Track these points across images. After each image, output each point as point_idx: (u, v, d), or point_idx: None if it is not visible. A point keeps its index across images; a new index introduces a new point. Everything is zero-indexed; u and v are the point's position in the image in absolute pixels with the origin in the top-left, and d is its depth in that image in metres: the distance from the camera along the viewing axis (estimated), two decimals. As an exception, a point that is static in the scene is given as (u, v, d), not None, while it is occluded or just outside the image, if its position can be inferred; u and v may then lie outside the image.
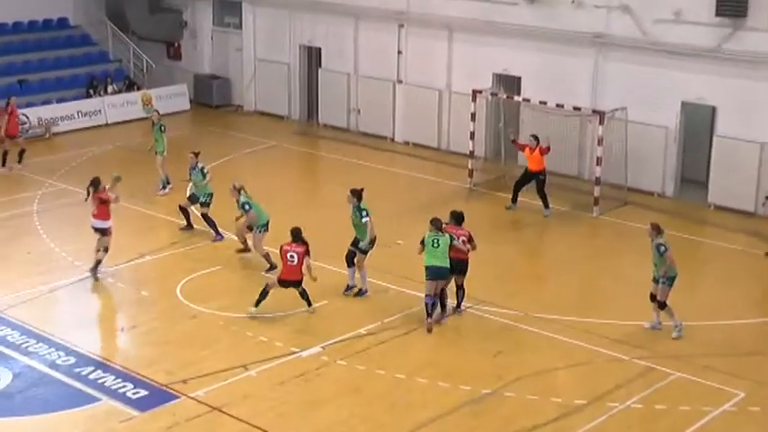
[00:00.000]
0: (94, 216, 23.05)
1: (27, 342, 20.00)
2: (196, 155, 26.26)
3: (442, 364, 19.30)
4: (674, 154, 29.27)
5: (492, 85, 32.10)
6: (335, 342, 20.08)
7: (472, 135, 30.18)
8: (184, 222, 26.25)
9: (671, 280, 20.21)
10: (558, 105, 29.25)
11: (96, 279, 22.98)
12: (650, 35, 29.15)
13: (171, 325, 20.93)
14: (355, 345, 20.02)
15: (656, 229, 20.32)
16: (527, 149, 28.00)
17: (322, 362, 19.28)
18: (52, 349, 19.69)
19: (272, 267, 23.24)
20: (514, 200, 28.45)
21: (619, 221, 27.39)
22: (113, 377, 18.63)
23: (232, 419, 17.26)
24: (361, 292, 22.37)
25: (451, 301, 21.40)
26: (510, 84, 32.03)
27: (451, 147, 33.49)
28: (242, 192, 23.94)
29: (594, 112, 28.76)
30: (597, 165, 27.94)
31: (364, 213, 21.97)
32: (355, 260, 22.22)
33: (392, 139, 35.29)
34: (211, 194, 25.81)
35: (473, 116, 30.27)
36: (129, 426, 17.07)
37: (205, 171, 25.93)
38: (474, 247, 21.18)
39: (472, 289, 21.69)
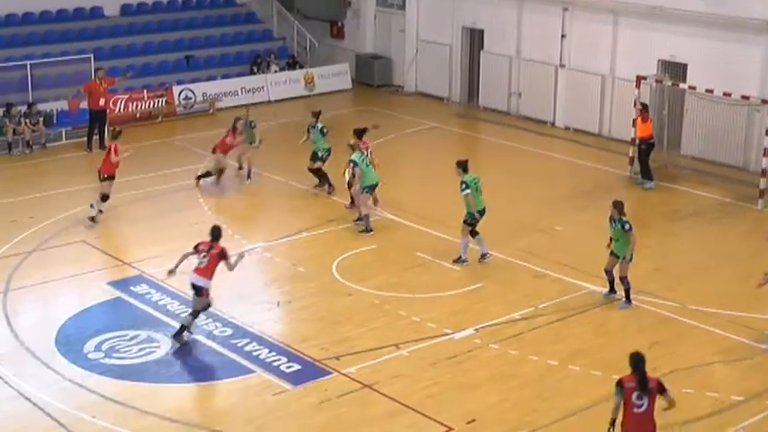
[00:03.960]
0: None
1: (186, 311, 20.34)
2: (316, 115, 27.61)
3: (596, 352, 19.06)
4: None
5: (657, 71, 31.48)
6: (488, 325, 20.01)
7: (634, 122, 29.64)
8: (317, 182, 27.73)
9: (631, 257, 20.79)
10: (725, 94, 28.55)
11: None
12: (824, 22, 28.23)
13: (326, 301, 21.13)
14: (508, 329, 19.92)
15: (618, 208, 20.70)
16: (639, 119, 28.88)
17: (474, 345, 19.23)
18: (210, 320, 20.06)
19: (368, 230, 24.56)
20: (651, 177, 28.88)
21: (785, 215, 26.65)
22: (268, 350, 18.91)
23: (383, 398, 17.36)
24: (459, 260, 22.84)
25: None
26: (676, 71, 31.34)
27: (613, 134, 33.01)
28: (355, 150, 25.02)
29: (764, 101, 27.98)
30: (764, 156, 27.14)
31: (463, 186, 22.37)
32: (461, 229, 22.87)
33: (552, 124, 34.94)
34: (329, 150, 27.28)
35: (636, 103, 29.76)
36: (281, 399, 17.32)
37: (324, 131, 27.24)
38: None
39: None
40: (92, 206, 25.14)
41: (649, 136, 28.68)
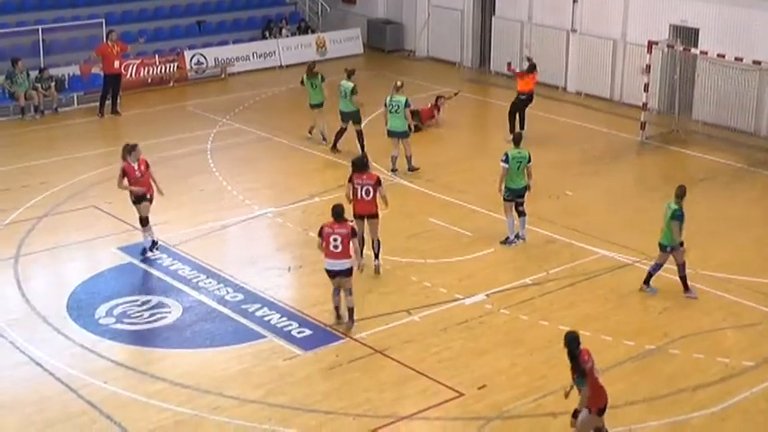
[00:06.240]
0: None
1: (198, 277, 20.49)
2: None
3: (607, 317, 19.06)
4: None
5: (668, 36, 31.33)
6: (499, 291, 20.01)
7: (646, 87, 29.56)
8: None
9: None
10: (736, 59, 28.41)
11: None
12: (839, -13, 28.03)
13: (337, 267, 21.11)
14: (519, 294, 19.93)
15: (676, 192, 19.53)
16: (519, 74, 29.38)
17: (485, 310, 19.25)
18: (221, 285, 20.13)
19: (392, 171, 25.83)
20: (513, 129, 28.30)
21: (796, 180, 26.55)
22: (279, 315, 18.95)
23: (394, 363, 17.40)
24: (506, 241, 22.12)
25: None
26: (687, 35, 31.19)
27: (624, 98, 32.91)
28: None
29: (776, 66, 27.90)
30: (776, 121, 27.09)
31: (503, 157, 21.62)
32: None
33: (564, 89, 34.82)
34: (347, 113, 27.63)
35: (648, 68, 29.63)
36: (292, 364, 17.37)
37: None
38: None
39: (641, 244, 21.36)
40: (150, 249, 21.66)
41: (529, 90, 29.11)
